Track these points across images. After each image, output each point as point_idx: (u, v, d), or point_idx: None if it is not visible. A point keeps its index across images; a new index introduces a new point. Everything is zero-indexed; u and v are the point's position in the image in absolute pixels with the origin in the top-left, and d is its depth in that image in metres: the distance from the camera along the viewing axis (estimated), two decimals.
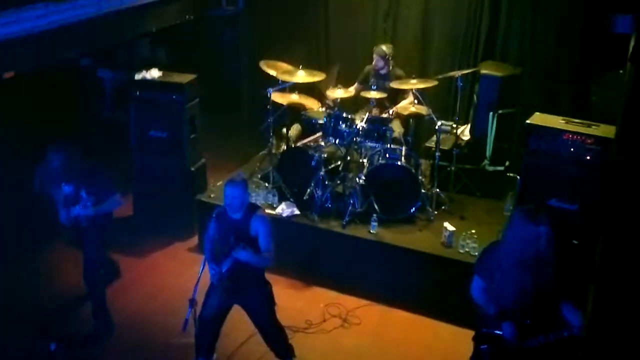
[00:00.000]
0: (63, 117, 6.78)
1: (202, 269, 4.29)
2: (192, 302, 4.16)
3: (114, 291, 5.62)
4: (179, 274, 5.97)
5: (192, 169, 6.67)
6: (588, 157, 4.93)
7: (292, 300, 5.60)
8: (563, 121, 5.17)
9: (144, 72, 6.63)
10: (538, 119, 5.25)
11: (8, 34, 5.14)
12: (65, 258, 5.93)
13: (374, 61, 6.74)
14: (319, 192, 6.10)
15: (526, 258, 3.65)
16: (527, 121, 5.21)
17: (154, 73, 6.63)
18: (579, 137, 4.97)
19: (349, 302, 5.68)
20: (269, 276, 4.65)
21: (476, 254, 5.39)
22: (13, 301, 5.51)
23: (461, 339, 4.77)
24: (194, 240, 6.55)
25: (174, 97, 6.47)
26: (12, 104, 6.26)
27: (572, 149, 4.99)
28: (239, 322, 4.78)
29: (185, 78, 6.57)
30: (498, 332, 3.86)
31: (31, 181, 5.95)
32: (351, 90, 6.75)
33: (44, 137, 6.36)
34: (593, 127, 5.04)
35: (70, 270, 5.67)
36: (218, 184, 6.57)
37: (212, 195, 6.49)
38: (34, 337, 4.94)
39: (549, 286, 3.70)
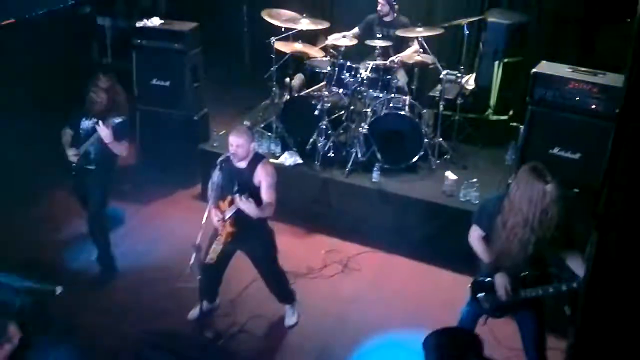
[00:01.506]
0: (63, 64, 6.73)
1: (206, 216, 4.33)
2: (197, 247, 4.21)
3: (119, 237, 5.69)
4: (182, 220, 6.01)
5: (195, 117, 6.66)
6: (593, 106, 4.88)
7: (294, 247, 5.65)
8: (569, 70, 5.08)
9: (145, 20, 6.55)
10: (544, 67, 5.17)
11: None
12: (70, 204, 5.98)
13: (379, 6, 6.62)
14: (322, 142, 6.10)
15: (531, 215, 3.66)
16: (534, 70, 5.14)
17: (155, 21, 6.55)
18: (585, 86, 4.90)
19: (350, 248, 5.75)
20: (271, 223, 4.70)
21: (477, 202, 5.42)
22: (18, 246, 5.59)
23: (460, 285, 4.81)
24: (197, 188, 6.57)
25: (176, 45, 6.40)
26: (12, 50, 6.21)
27: (577, 98, 4.93)
28: (241, 268, 4.86)
29: (187, 26, 6.49)
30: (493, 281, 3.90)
31: (32, 127, 5.99)
32: (352, 37, 6.65)
33: (43, 84, 6.38)
34: (599, 75, 4.97)
35: (75, 216, 5.74)
36: (221, 133, 6.55)
37: (215, 144, 6.49)
38: (39, 281, 5.02)
39: (551, 239, 3.72)
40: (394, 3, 6.61)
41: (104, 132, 4.83)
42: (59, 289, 5.01)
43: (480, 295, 3.94)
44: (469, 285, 4.04)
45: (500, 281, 3.80)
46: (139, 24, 6.53)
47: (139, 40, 6.52)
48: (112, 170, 5.19)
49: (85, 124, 5.01)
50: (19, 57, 6.29)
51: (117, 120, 4.87)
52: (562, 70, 5.10)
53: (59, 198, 6.32)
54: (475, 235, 3.98)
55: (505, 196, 3.85)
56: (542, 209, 3.62)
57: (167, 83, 6.54)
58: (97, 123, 4.84)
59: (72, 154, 5.02)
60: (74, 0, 6.36)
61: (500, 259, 3.83)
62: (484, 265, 4.00)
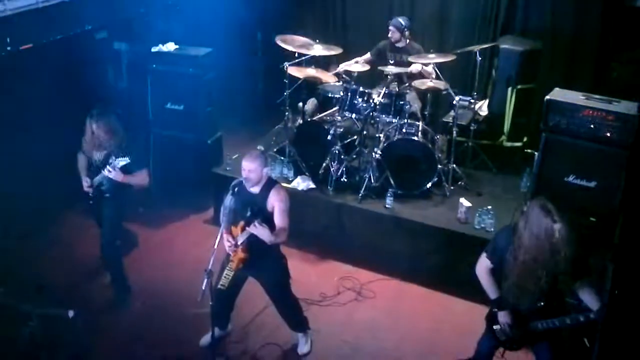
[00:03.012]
0: (79, 88, 6.80)
1: (218, 241, 4.32)
2: (208, 272, 4.20)
3: (132, 261, 5.70)
4: (195, 245, 6.03)
5: (209, 141, 6.70)
6: (608, 134, 4.86)
7: (307, 273, 5.64)
8: (583, 97, 5.08)
9: (160, 45, 6.63)
10: (558, 94, 5.17)
11: (25, 6, 5.17)
12: (84, 227, 6.00)
13: (390, 33, 6.67)
14: (335, 167, 6.10)
15: (540, 253, 3.62)
16: (547, 97, 5.13)
17: (170, 46, 6.63)
18: (599, 114, 4.89)
19: (364, 275, 5.71)
20: (284, 249, 4.68)
21: (492, 229, 5.39)
22: (31, 269, 5.60)
23: (474, 314, 4.79)
24: (210, 212, 6.60)
25: (191, 70, 6.49)
26: (29, 75, 6.29)
27: (592, 126, 4.92)
28: (254, 294, 4.84)
29: (202, 51, 6.57)
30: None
31: (47, 149, 6.03)
32: (364, 62, 6.68)
33: (59, 108, 6.45)
34: (614, 103, 4.96)
35: (88, 239, 5.75)
36: (234, 157, 6.58)
37: (228, 168, 6.52)
38: (52, 304, 5.01)
39: (565, 272, 3.67)
40: (405, 30, 6.65)
41: (112, 174, 4.84)
42: (71, 313, 5.00)
43: (496, 327, 3.89)
44: (485, 317, 3.98)
45: (504, 319, 3.78)
46: (154, 49, 6.62)
47: (154, 65, 6.61)
48: (126, 197, 5.20)
49: (97, 155, 5.03)
50: (35, 81, 6.36)
51: (122, 162, 4.81)
52: (576, 97, 5.10)
53: (73, 220, 6.37)
54: (483, 266, 3.94)
55: (515, 230, 3.82)
56: (551, 248, 3.58)
57: (181, 107, 6.60)
58: (103, 167, 4.84)
59: (86, 185, 5.06)
60: (90, 25, 6.44)
61: (515, 292, 3.78)
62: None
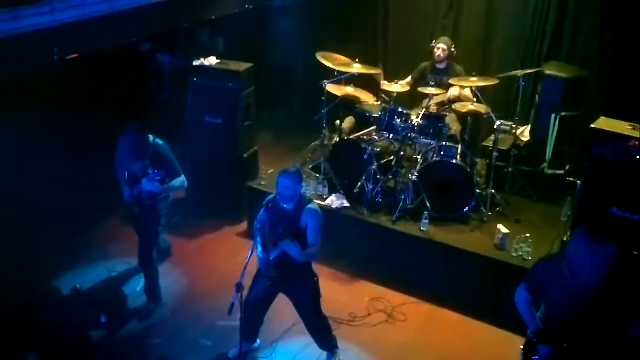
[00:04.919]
0: (122, 98, 6.92)
1: (251, 255, 4.29)
2: (239, 286, 4.16)
3: (164, 270, 5.70)
4: (227, 257, 6.04)
5: (245, 155, 6.73)
6: None
7: (338, 293, 5.57)
8: (630, 127, 4.95)
9: (202, 59, 6.71)
10: (603, 123, 5.05)
11: (72, 17, 5.29)
12: (119, 232, 6.06)
13: (439, 52, 6.62)
14: (370, 186, 6.04)
15: (598, 279, 3.48)
16: (592, 125, 5.02)
17: (212, 60, 6.71)
18: None
19: (396, 298, 5.62)
20: (316, 267, 4.63)
21: (530, 258, 5.24)
22: (67, 273, 5.69)
23: (509, 344, 4.68)
24: (243, 225, 6.61)
25: (230, 84, 6.53)
26: (74, 84, 6.42)
27: (638, 157, 4.78)
28: (284, 310, 4.79)
29: (242, 66, 6.62)
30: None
31: (91, 158, 6.13)
32: (405, 84, 6.65)
33: (103, 117, 6.57)
34: None
35: (124, 245, 5.82)
36: (269, 172, 6.59)
37: (262, 183, 6.54)
38: (85, 309, 5.06)
39: (616, 301, 3.53)
40: (453, 50, 6.61)
41: (150, 186, 4.90)
42: (103, 318, 5.05)
43: (535, 358, 3.76)
44: (522, 346, 3.86)
45: (545, 353, 3.65)
46: (196, 63, 6.71)
47: (195, 78, 6.68)
48: (165, 205, 5.24)
49: (134, 166, 5.05)
50: (80, 91, 6.50)
51: (157, 177, 4.88)
52: (622, 127, 4.97)
53: (110, 226, 6.44)
54: (522, 297, 3.82)
55: (562, 259, 3.68)
56: (607, 272, 3.44)
57: (220, 120, 6.64)
58: (142, 177, 4.89)
59: (126, 197, 5.12)
60: (135, 37, 6.56)
61: (559, 324, 3.65)
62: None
